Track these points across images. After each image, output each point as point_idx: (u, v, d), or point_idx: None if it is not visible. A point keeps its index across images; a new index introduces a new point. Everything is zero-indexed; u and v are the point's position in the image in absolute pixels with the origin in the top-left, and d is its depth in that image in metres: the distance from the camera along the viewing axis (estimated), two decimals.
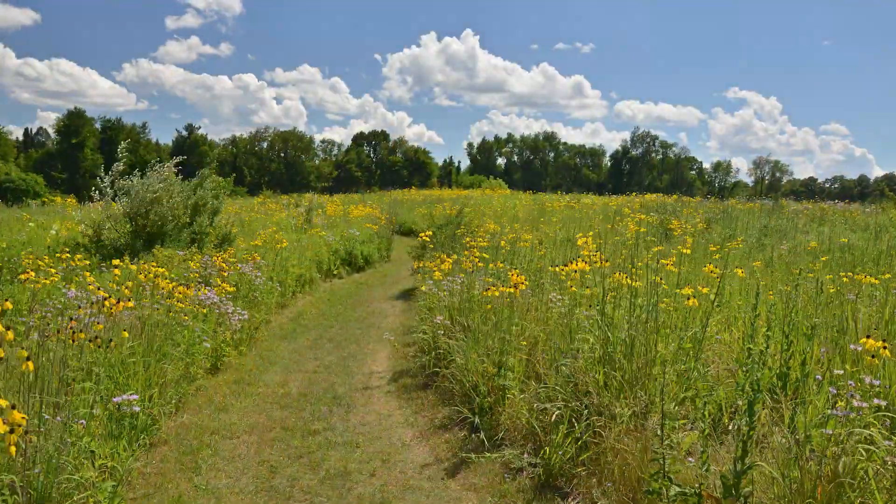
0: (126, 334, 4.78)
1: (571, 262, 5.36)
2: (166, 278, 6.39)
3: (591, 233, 6.88)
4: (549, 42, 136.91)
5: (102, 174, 10.18)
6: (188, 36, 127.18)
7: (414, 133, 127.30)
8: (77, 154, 67.37)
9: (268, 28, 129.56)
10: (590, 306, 5.07)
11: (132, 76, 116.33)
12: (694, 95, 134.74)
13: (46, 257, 8.05)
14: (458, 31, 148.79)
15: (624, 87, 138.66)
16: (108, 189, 10.01)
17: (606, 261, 5.17)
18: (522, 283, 5.46)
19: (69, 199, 20.18)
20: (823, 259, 8.53)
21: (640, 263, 4.85)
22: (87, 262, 8.00)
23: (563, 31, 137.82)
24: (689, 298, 4.71)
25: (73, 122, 69.26)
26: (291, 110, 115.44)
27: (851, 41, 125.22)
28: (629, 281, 4.91)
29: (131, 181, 10.03)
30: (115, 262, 6.89)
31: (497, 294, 5.64)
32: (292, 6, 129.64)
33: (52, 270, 6.89)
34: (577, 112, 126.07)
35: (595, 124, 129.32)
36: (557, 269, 5.85)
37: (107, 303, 4.68)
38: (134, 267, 6.99)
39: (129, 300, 5.08)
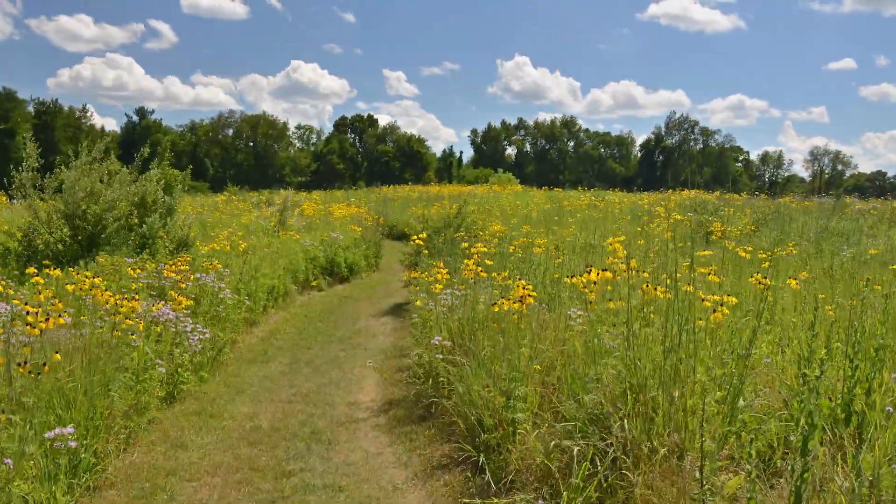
0: (58, 357, 4.77)
1: (592, 271, 5.35)
2: (106, 290, 6.38)
3: (620, 237, 6.90)
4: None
5: (20, 168, 10.07)
6: None
7: (447, 135, 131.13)
8: (7, 143, 67.24)
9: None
10: (614, 325, 5.08)
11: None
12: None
13: None
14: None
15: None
16: (29, 186, 9.93)
17: (643, 270, 5.19)
18: (530, 295, 5.47)
19: None
20: (893, 268, 8.53)
21: (678, 274, 4.86)
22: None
23: None
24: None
25: (2, 106, 69.12)
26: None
27: None
28: (661, 293, 4.92)
29: (66, 174, 9.95)
30: (30, 270, 6.91)
31: (504, 310, 5.65)
32: None
33: None
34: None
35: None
36: (574, 279, 5.85)
37: (30, 318, 4.65)
38: (55, 273, 6.95)
39: (61, 316, 5.03)
